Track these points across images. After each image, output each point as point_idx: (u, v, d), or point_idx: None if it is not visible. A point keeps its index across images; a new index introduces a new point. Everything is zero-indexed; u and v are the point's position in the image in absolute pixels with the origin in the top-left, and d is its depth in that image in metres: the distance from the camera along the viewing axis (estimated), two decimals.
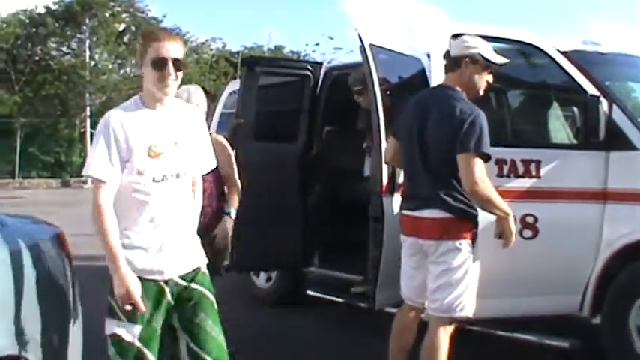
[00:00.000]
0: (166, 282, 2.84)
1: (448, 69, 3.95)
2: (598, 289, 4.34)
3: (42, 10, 26.41)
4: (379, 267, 4.57)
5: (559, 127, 4.80)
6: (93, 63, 26.64)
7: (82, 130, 25.98)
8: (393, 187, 4.64)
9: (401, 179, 4.70)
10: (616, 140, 4.33)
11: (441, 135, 3.73)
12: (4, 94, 25.22)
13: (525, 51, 4.78)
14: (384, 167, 4.57)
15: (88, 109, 25.90)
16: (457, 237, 3.73)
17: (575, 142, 4.53)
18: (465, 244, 3.73)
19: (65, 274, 3.22)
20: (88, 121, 25.72)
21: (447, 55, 3.97)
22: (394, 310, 5.02)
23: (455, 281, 3.74)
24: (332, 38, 38.98)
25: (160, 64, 2.79)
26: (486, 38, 4.42)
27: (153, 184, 2.78)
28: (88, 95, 25.79)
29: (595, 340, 4.49)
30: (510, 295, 4.39)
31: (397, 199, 4.67)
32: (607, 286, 4.34)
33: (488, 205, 3.72)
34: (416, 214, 3.85)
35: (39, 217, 3.79)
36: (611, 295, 4.33)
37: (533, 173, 4.40)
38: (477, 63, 3.85)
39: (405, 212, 3.99)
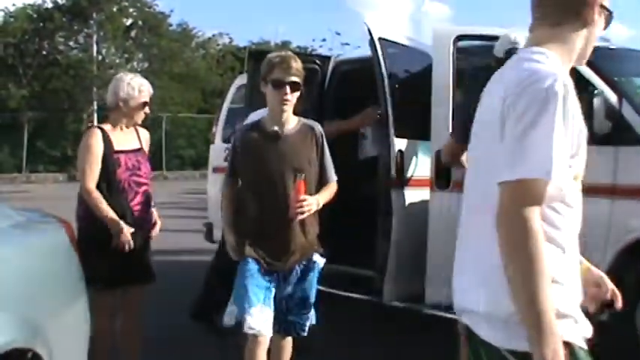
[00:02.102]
0: None
1: None
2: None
3: (49, 5, 26.45)
4: (387, 261, 4.57)
5: None
6: (100, 57, 26.68)
7: (89, 125, 26.00)
8: (402, 181, 4.63)
9: (410, 172, 4.70)
10: (625, 135, 4.32)
11: None
12: (12, 88, 25.26)
13: None
14: (392, 161, 4.57)
15: (95, 103, 25.95)
16: None
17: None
18: None
19: (73, 268, 3.23)
20: (95, 115, 25.77)
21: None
22: (403, 304, 5.05)
23: None
24: (339, 34, 38.86)
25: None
26: (490, 38, 4.45)
27: (578, 193, 1.99)
28: (95, 90, 25.82)
29: (602, 337, 4.47)
30: None
31: (406, 193, 4.67)
32: (615, 281, 4.32)
33: None
34: None
35: (46, 211, 3.80)
36: (618, 291, 4.30)
37: None
38: None
39: None
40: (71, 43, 27.53)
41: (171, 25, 28.65)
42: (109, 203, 3.98)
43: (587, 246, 4.31)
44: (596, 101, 4.34)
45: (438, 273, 4.35)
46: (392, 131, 4.57)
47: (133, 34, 27.83)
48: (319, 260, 3.76)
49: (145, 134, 4.44)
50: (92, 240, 3.87)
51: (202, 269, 8.16)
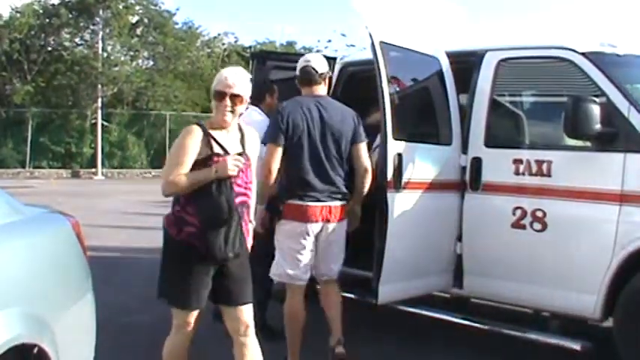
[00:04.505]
0: None
1: (318, 82, 4.63)
2: (611, 291, 4.33)
3: (56, 1, 26.56)
4: (382, 262, 4.57)
5: None
6: (105, 54, 26.74)
7: (93, 121, 26.09)
8: (398, 183, 4.63)
9: (407, 175, 4.71)
10: (633, 142, 4.32)
11: (345, 132, 4.49)
12: (17, 83, 25.33)
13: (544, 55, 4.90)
14: (390, 163, 4.56)
15: (100, 100, 26.02)
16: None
17: (592, 144, 4.52)
18: None
19: (80, 264, 3.23)
20: (99, 112, 25.82)
21: (315, 72, 4.61)
22: (400, 307, 5.07)
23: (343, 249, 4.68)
24: (344, 35, 38.72)
25: None
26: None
27: None
28: (99, 86, 25.92)
29: (606, 343, 4.47)
30: (518, 280, 4.81)
31: (402, 195, 4.67)
32: (620, 288, 4.32)
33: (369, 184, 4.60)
34: (329, 203, 4.44)
35: (52, 207, 3.80)
36: (624, 298, 4.31)
37: (545, 172, 4.64)
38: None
39: (311, 203, 4.40)
40: (77, 40, 27.65)
41: (176, 24, 28.73)
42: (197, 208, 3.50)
43: (593, 249, 4.38)
44: (605, 108, 4.34)
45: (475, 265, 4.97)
46: (389, 134, 4.56)
47: (138, 31, 27.92)
48: None
49: (251, 137, 3.81)
50: (177, 254, 3.56)
51: None
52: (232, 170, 3.49)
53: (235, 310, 3.69)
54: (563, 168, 4.62)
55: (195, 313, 3.65)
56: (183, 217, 3.52)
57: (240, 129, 3.75)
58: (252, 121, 5.27)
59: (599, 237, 4.38)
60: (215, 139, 3.57)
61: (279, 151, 4.39)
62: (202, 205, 3.48)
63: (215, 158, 3.51)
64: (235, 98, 3.59)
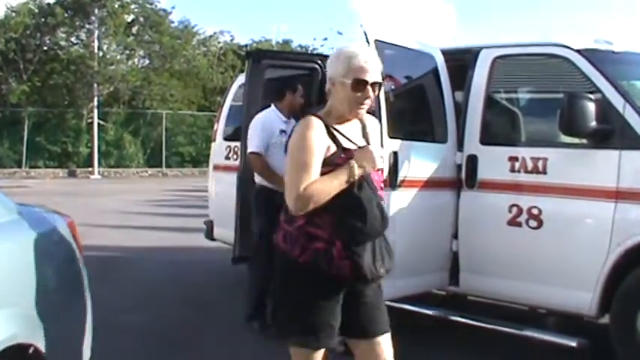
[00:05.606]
0: None
1: None
2: (607, 288, 4.34)
3: (51, 0, 26.44)
4: None
5: None
6: (101, 53, 26.67)
7: (90, 121, 26.02)
8: (394, 181, 4.63)
9: (403, 173, 4.71)
10: (629, 139, 4.33)
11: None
12: (13, 83, 25.26)
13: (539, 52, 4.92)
14: (385, 162, 4.57)
15: (96, 99, 25.96)
16: None
17: (588, 141, 4.52)
18: None
19: (75, 263, 3.22)
20: (96, 111, 25.77)
21: None
22: (396, 304, 5.08)
23: None
24: (341, 33, 38.64)
25: None
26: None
27: None
28: (95, 85, 25.84)
29: (603, 340, 4.48)
30: (514, 277, 4.83)
31: (398, 193, 4.67)
32: (616, 285, 4.33)
33: None
34: None
35: (48, 206, 3.79)
36: (620, 295, 4.32)
37: (540, 170, 4.66)
38: None
39: None
40: (72, 39, 27.51)
41: (172, 22, 28.67)
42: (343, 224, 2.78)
43: (588, 246, 4.39)
44: (600, 105, 4.35)
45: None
46: (385, 132, 4.56)
47: (134, 30, 27.83)
48: None
49: (374, 125, 3.07)
50: (301, 279, 2.85)
51: (202, 267, 8.17)
52: (380, 162, 2.84)
53: (372, 343, 3.01)
54: (559, 165, 4.63)
55: (320, 355, 2.92)
56: (311, 232, 2.80)
57: (360, 119, 2.99)
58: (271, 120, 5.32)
59: (595, 234, 4.39)
60: (339, 132, 2.85)
61: None
62: (344, 214, 2.77)
63: (345, 154, 2.80)
64: (374, 86, 2.84)
